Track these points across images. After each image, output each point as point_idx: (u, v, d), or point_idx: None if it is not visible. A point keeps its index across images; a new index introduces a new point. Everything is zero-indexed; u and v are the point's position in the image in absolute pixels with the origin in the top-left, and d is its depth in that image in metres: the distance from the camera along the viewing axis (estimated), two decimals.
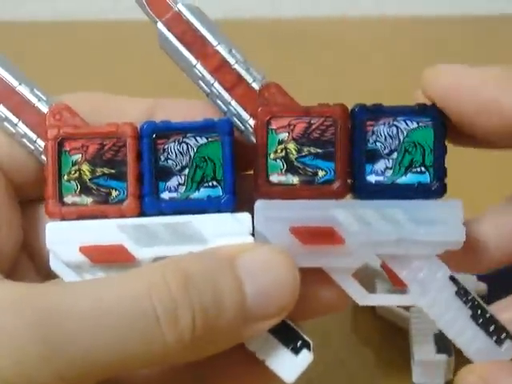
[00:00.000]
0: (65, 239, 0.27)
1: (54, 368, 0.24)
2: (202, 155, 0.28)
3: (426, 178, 0.28)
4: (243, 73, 0.28)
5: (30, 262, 0.30)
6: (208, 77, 0.28)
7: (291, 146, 0.28)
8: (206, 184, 0.28)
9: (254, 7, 0.73)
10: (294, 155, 0.28)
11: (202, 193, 0.28)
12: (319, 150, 0.28)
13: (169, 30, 0.29)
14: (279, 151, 0.28)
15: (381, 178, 0.28)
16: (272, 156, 0.28)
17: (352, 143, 0.28)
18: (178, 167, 0.28)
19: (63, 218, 0.27)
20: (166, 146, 0.28)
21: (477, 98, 0.26)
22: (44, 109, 0.28)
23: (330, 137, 0.27)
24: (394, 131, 0.27)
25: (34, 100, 0.28)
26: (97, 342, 0.24)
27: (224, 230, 0.27)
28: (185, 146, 0.28)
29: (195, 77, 0.28)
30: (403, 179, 0.28)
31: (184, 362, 0.27)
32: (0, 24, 0.71)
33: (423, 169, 0.28)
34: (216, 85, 0.28)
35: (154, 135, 0.27)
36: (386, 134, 0.28)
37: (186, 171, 0.28)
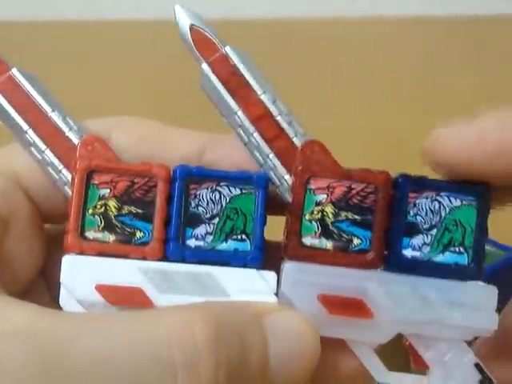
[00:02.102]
0: (81, 275, 0.26)
1: None
2: (233, 206, 0.27)
3: (464, 260, 0.27)
4: (285, 126, 0.27)
5: (46, 286, 0.29)
6: (248, 125, 0.27)
7: (329, 209, 0.27)
8: (235, 236, 0.27)
9: (252, 7, 0.73)
10: (330, 219, 0.27)
11: (229, 245, 0.27)
12: (357, 217, 0.27)
13: (213, 72, 0.27)
14: (315, 213, 0.27)
15: (417, 254, 0.27)
16: (307, 217, 0.27)
17: (392, 213, 0.27)
18: (208, 215, 0.27)
19: (82, 253, 0.26)
20: (197, 192, 0.27)
21: (486, 152, 0.25)
22: (74, 139, 0.27)
23: (370, 204, 0.27)
24: (437, 206, 0.27)
25: (65, 129, 0.27)
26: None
27: (248, 287, 0.26)
28: (217, 195, 0.27)
29: (234, 123, 0.27)
30: (440, 257, 0.27)
31: None
32: (0, 24, 0.71)
33: (462, 249, 0.27)
34: (256, 135, 0.27)
35: (187, 180, 0.26)
36: (427, 208, 0.27)
37: (216, 220, 0.27)
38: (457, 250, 0.27)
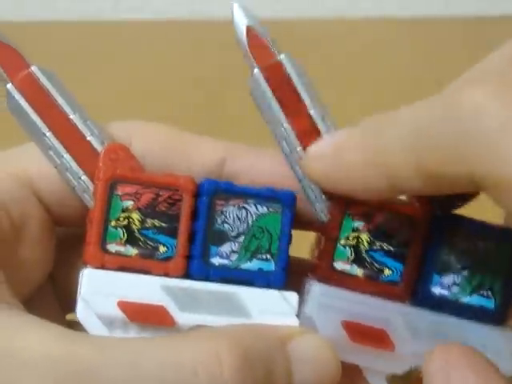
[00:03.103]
0: (103, 290, 0.25)
1: None
2: (260, 225, 0.26)
3: (491, 304, 0.27)
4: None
5: (53, 288, 0.29)
6: (293, 139, 0.26)
7: (364, 236, 0.26)
8: (260, 256, 0.26)
9: (253, 8, 0.73)
10: (365, 247, 0.26)
11: (253, 264, 0.26)
12: (392, 249, 0.26)
13: (265, 79, 0.26)
14: (351, 239, 0.26)
15: (445, 293, 0.26)
16: (342, 242, 0.26)
17: (428, 249, 0.26)
18: (234, 233, 0.26)
19: (103, 267, 0.25)
20: (224, 209, 0.26)
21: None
22: (96, 144, 0.26)
23: (406, 236, 0.26)
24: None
25: (86, 133, 0.26)
26: None
27: (270, 308, 0.26)
28: (244, 213, 0.26)
29: (279, 135, 0.27)
30: (467, 299, 0.27)
31: None
32: (0, 24, 0.71)
33: (490, 293, 0.27)
34: (299, 149, 0.26)
35: (214, 195, 0.26)
36: (461, 249, 0.26)
37: (242, 239, 0.26)
38: (485, 294, 0.27)
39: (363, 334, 0.26)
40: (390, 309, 0.26)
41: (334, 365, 0.25)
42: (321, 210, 0.27)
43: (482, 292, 0.27)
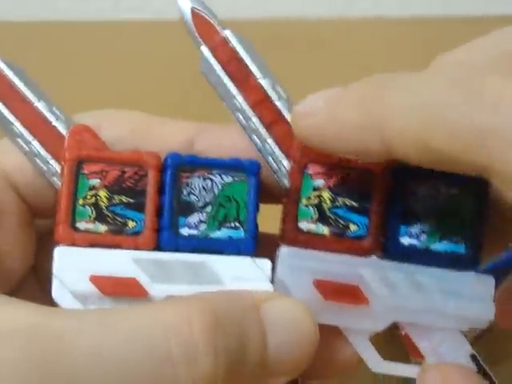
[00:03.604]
0: (74, 266, 0.26)
1: None
2: (226, 194, 0.27)
3: (462, 249, 0.27)
4: (285, 111, 0.27)
5: (37, 281, 0.29)
6: (247, 110, 0.27)
7: (326, 194, 0.27)
8: (228, 224, 0.27)
9: (251, 8, 0.73)
10: (327, 204, 0.27)
11: (223, 233, 0.27)
12: (354, 203, 0.27)
13: (213, 56, 0.27)
14: (313, 198, 0.27)
15: (415, 242, 0.27)
16: (304, 202, 0.27)
17: (391, 201, 0.27)
18: (201, 203, 0.26)
19: (74, 245, 0.26)
20: (189, 181, 0.26)
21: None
22: (62, 129, 0.27)
23: (367, 191, 0.27)
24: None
25: (51, 119, 0.27)
26: (99, 382, 0.23)
27: (242, 275, 0.26)
28: (209, 183, 0.27)
29: (233, 108, 0.27)
30: (438, 246, 0.27)
31: None
32: (0, 24, 0.71)
33: (459, 238, 0.27)
34: (254, 119, 0.27)
35: (179, 168, 0.26)
36: (426, 198, 0.27)
37: (209, 209, 0.27)
38: (454, 239, 0.26)
39: (336, 291, 0.26)
40: (361, 264, 0.26)
41: (310, 325, 0.25)
42: (283, 176, 0.27)
43: (451, 238, 0.27)
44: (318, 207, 0.27)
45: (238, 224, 0.27)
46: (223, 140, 0.28)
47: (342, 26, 0.70)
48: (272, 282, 0.26)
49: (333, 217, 0.27)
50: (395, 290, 0.26)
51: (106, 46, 0.68)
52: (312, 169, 0.27)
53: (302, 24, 0.71)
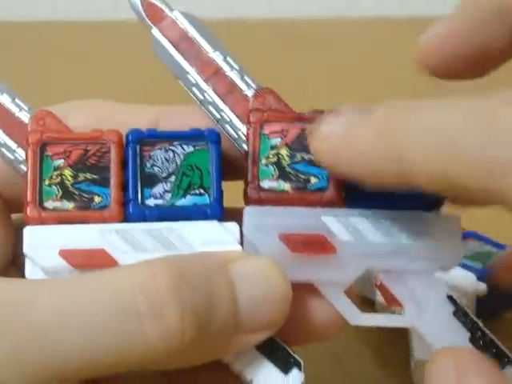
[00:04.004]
0: (43, 243, 0.26)
1: (20, 367, 0.23)
2: (188, 163, 0.27)
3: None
4: (237, 80, 0.28)
5: (19, 275, 0.29)
6: (202, 84, 0.28)
7: (284, 151, 0.27)
8: (193, 191, 0.27)
9: (252, 7, 0.73)
10: (286, 161, 0.27)
11: (188, 200, 0.27)
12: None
13: (164, 37, 0.28)
14: (271, 157, 0.27)
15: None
16: (263, 161, 0.27)
17: None
18: (164, 174, 0.27)
19: (43, 223, 0.27)
20: (151, 153, 0.27)
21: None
22: (25, 118, 0.28)
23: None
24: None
25: (14, 110, 0.28)
26: (66, 339, 0.23)
27: (211, 238, 0.27)
28: (171, 154, 0.27)
29: (189, 83, 0.28)
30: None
31: (168, 368, 0.26)
32: (0, 24, 0.71)
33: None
34: (210, 92, 0.28)
35: (140, 142, 0.27)
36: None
37: (173, 178, 0.27)
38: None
39: (302, 242, 0.27)
40: (324, 214, 0.27)
41: (281, 280, 0.26)
42: (242, 142, 0.28)
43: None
44: (278, 165, 0.27)
45: (202, 190, 0.27)
46: (186, 119, 0.28)
47: (342, 26, 0.70)
48: (241, 244, 0.27)
49: (293, 172, 0.27)
50: (361, 235, 0.27)
51: (105, 45, 0.68)
52: (268, 129, 0.27)
53: (303, 24, 0.71)
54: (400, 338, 0.39)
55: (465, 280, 0.31)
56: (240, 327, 0.25)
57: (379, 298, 0.40)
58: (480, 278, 0.39)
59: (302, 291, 0.27)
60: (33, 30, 0.70)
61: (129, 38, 0.68)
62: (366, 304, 0.41)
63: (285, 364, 0.27)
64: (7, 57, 0.66)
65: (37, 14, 0.73)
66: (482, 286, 0.38)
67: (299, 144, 0.27)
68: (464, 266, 0.38)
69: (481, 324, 0.27)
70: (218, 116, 0.28)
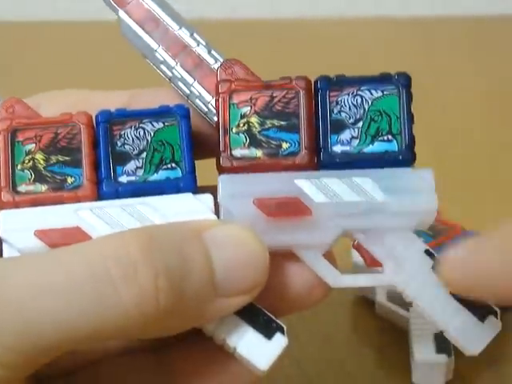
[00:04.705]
0: (19, 226, 0.27)
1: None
2: (159, 139, 0.28)
3: (394, 147, 0.27)
4: (205, 55, 0.29)
5: None
6: (169, 60, 0.29)
7: (253, 119, 0.27)
8: (165, 166, 0.28)
9: (253, 8, 0.73)
10: (256, 128, 0.27)
11: (160, 175, 0.28)
12: (282, 123, 0.27)
13: (130, 18, 0.29)
14: (241, 125, 0.27)
15: (347, 148, 0.27)
16: (234, 130, 0.27)
17: (316, 114, 0.27)
18: (136, 151, 0.28)
19: (17, 207, 0.27)
20: (122, 132, 0.28)
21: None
22: None
23: (294, 109, 0.27)
24: (359, 100, 0.27)
25: None
26: (43, 309, 0.23)
27: (185, 209, 0.27)
28: (141, 131, 0.28)
29: (157, 62, 0.29)
30: (370, 148, 0.27)
31: (146, 336, 0.26)
32: (0, 24, 0.71)
33: (390, 137, 0.27)
34: (178, 67, 0.29)
35: (110, 122, 0.27)
36: (350, 103, 0.27)
37: (144, 155, 0.28)
38: (385, 138, 0.27)
39: (277, 206, 0.27)
40: (297, 177, 0.27)
41: (256, 243, 0.26)
42: (212, 115, 0.28)
43: (382, 138, 0.27)
44: (248, 133, 0.27)
45: (174, 165, 0.28)
46: (156, 100, 0.29)
47: (342, 25, 0.70)
48: (217, 215, 0.27)
49: (264, 139, 0.27)
50: (336, 196, 0.27)
51: (105, 45, 0.68)
52: (236, 98, 0.28)
53: (303, 24, 0.71)
54: (400, 338, 0.39)
55: None
56: (217, 292, 0.25)
57: (379, 296, 0.40)
58: None
59: (281, 259, 0.27)
60: (33, 29, 0.70)
61: None
62: (366, 304, 0.41)
63: (267, 329, 0.27)
64: (7, 57, 0.66)
65: (37, 13, 0.73)
66: None
67: (268, 111, 0.27)
68: None
69: None
70: (188, 91, 0.28)
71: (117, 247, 0.24)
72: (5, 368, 0.24)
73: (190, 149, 0.28)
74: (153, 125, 0.28)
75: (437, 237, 0.39)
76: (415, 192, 0.27)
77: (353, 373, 0.39)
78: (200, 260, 0.25)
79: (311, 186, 0.27)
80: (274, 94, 0.27)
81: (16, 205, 0.27)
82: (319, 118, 0.27)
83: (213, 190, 0.27)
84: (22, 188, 0.27)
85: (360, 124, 0.27)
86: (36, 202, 0.27)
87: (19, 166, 0.27)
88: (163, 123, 0.28)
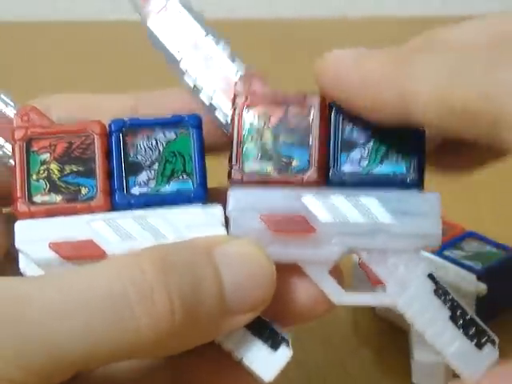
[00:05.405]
0: (34, 237, 0.27)
1: (21, 361, 0.24)
2: (171, 150, 0.28)
3: (402, 168, 0.27)
4: (228, 65, 0.29)
5: (11, 268, 0.29)
6: (192, 71, 0.29)
7: (267, 133, 0.28)
8: (177, 178, 0.28)
9: (252, 8, 0.73)
10: (269, 144, 0.28)
11: (172, 186, 0.28)
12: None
13: (158, 24, 0.29)
14: (255, 136, 0.28)
15: (356, 168, 0.27)
16: (247, 144, 0.28)
17: (328, 132, 0.28)
18: (148, 162, 0.28)
19: (32, 217, 0.27)
20: (134, 142, 0.28)
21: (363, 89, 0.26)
22: (11, 114, 0.28)
23: (306, 127, 0.28)
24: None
25: (1, 106, 0.28)
26: (65, 331, 0.24)
27: (195, 222, 0.27)
28: (154, 142, 0.28)
29: (180, 72, 0.29)
30: (378, 169, 0.27)
31: (159, 355, 0.27)
32: (0, 24, 0.71)
33: (400, 158, 0.27)
34: (200, 80, 0.29)
35: (123, 131, 0.28)
36: (361, 124, 0.27)
37: (156, 166, 0.28)
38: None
39: (282, 223, 0.27)
40: (303, 194, 0.27)
41: (264, 259, 0.26)
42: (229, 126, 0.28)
43: (391, 160, 0.28)
44: (262, 146, 0.28)
45: (185, 176, 0.28)
46: (164, 102, 0.29)
47: (342, 26, 0.70)
48: (226, 227, 0.28)
49: (275, 154, 0.28)
50: (340, 215, 0.27)
51: (106, 45, 0.68)
52: (253, 111, 0.28)
53: (303, 24, 0.71)
54: (400, 338, 0.39)
55: (464, 280, 0.31)
56: (227, 309, 0.26)
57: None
58: (479, 277, 0.39)
59: (288, 272, 0.28)
60: (33, 29, 0.70)
61: (129, 38, 0.68)
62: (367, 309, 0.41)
63: (273, 341, 0.27)
64: (7, 57, 0.66)
65: (37, 14, 0.73)
66: (482, 286, 0.38)
67: (283, 127, 0.28)
68: (464, 266, 0.38)
69: (461, 303, 0.27)
70: (208, 103, 0.29)
71: (133, 269, 0.25)
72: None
73: (201, 160, 0.28)
74: (165, 135, 0.28)
75: None
76: (420, 215, 0.27)
77: (353, 373, 0.39)
78: (211, 279, 0.25)
79: (317, 204, 0.27)
80: (290, 108, 0.28)
81: (31, 215, 0.27)
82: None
83: (224, 197, 0.28)
84: (37, 198, 0.27)
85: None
86: (51, 212, 0.27)
87: (34, 176, 0.28)
88: (175, 133, 0.28)
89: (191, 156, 0.28)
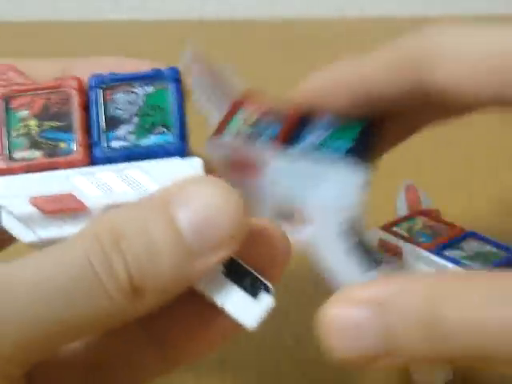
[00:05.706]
0: (15, 192, 0.27)
1: (8, 336, 0.24)
2: (150, 103, 0.28)
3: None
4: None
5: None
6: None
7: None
8: (157, 131, 0.28)
9: (253, 8, 0.73)
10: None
11: (152, 139, 0.28)
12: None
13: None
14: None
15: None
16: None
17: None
18: (127, 116, 0.28)
19: (12, 174, 0.28)
20: (113, 97, 0.28)
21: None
22: None
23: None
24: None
25: None
26: (41, 309, 0.24)
27: (174, 174, 0.27)
28: (133, 96, 0.28)
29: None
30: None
31: (137, 315, 0.27)
32: (0, 24, 0.71)
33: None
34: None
35: (102, 87, 0.28)
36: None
37: (136, 120, 0.28)
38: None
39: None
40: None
41: (225, 194, 0.26)
42: None
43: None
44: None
45: (165, 129, 0.28)
46: (95, 67, 0.29)
47: (342, 26, 0.70)
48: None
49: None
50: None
51: (106, 46, 0.68)
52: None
53: (303, 24, 0.71)
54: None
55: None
56: (191, 252, 0.26)
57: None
58: None
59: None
60: (33, 29, 0.70)
61: (128, 38, 0.68)
62: None
63: (253, 288, 0.27)
64: (7, 57, 0.66)
65: (37, 13, 0.74)
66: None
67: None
68: (464, 266, 0.38)
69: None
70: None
71: (92, 242, 0.25)
72: (7, 363, 0.25)
73: (180, 114, 0.28)
74: (144, 89, 0.28)
75: (437, 237, 0.39)
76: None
77: (353, 373, 0.39)
78: (163, 228, 0.25)
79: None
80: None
81: (11, 171, 0.28)
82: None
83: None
84: (17, 155, 0.28)
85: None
86: (31, 168, 0.28)
87: (14, 133, 0.28)
88: (154, 87, 0.28)
89: (171, 109, 0.28)
